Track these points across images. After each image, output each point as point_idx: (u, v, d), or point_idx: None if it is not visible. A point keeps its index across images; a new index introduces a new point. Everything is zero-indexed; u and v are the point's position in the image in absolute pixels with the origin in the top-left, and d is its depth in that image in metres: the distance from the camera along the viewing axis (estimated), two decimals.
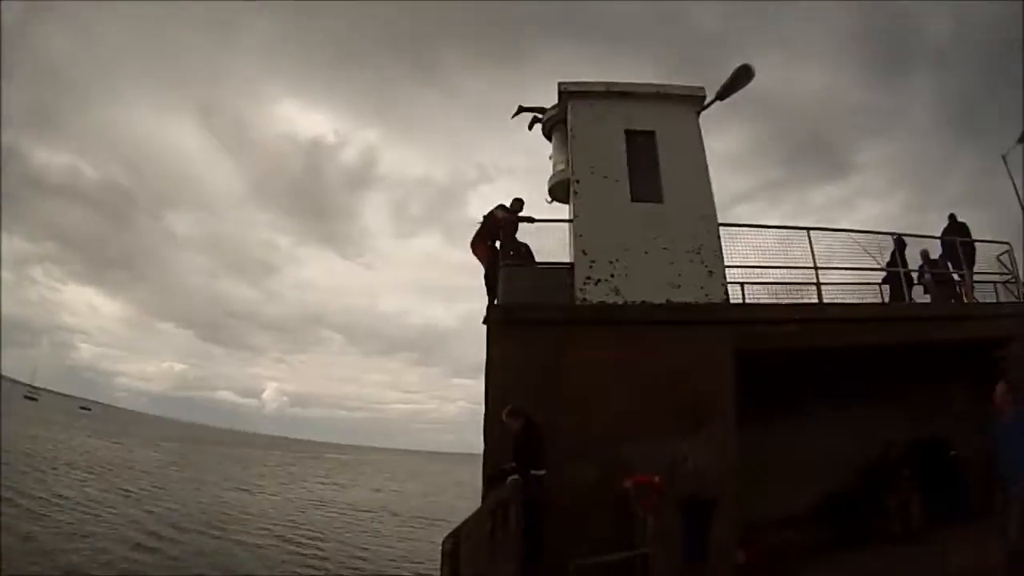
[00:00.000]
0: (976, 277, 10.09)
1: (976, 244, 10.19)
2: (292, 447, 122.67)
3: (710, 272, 7.70)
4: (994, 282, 10.27)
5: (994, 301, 10.05)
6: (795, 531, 8.24)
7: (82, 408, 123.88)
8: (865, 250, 9.19)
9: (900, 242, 9.63)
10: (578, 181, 7.82)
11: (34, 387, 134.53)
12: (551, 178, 8.44)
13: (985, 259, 10.29)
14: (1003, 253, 10.45)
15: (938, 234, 10.27)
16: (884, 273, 9.55)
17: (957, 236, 9.99)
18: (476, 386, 7.17)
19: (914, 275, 9.81)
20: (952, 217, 10.37)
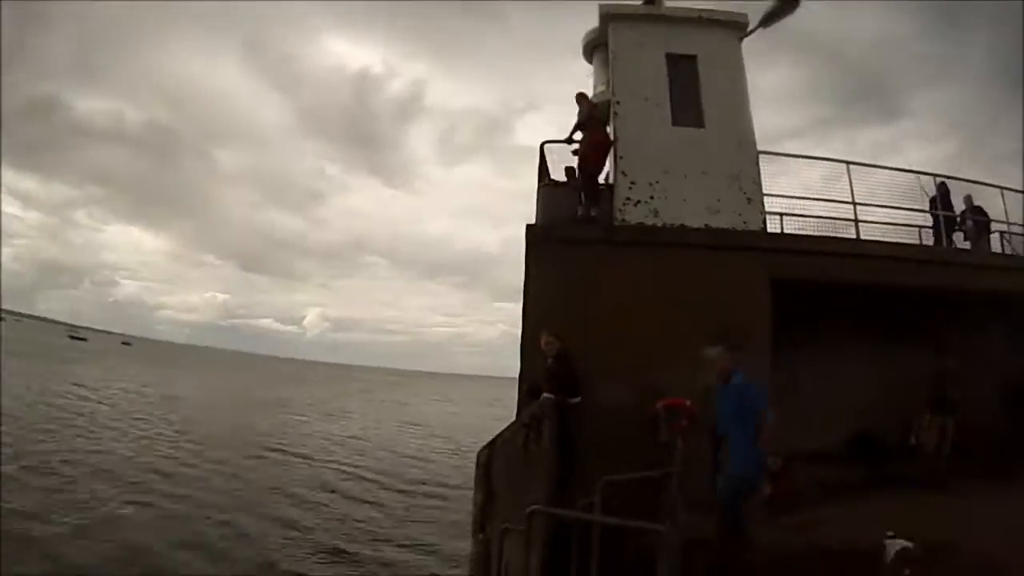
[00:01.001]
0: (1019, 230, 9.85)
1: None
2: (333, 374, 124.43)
3: (748, 199, 7.60)
4: None
5: None
6: (823, 467, 8.22)
7: (124, 343, 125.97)
8: (923, 188, 8.99)
9: (943, 187, 9.39)
10: (619, 103, 7.73)
11: (76, 327, 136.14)
12: (591, 98, 8.32)
13: None
14: None
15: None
16: (927, 215, 9.32)
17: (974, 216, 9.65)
18: (516, 309, 7.19)
19: (955, 220, 9.57)
20: (968, 200, 9.89)
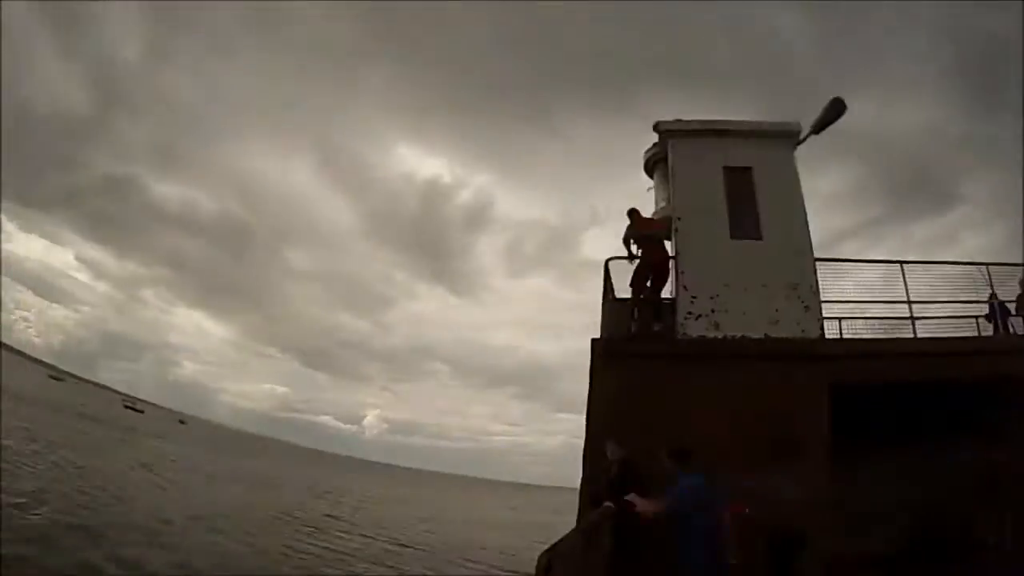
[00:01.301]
0: None
1: None
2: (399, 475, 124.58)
3: (806, 308, 7.87)
4: None
5: None
6: (885, 571, 8.33)
7: (180, 421, 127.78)
8: (982, 275, 9.16)
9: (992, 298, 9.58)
10: (679, 218, 8.14)
11: (133, 398, 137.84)
12: (653, 214, 8.75)
13: None
14: None
15: None
16: (986, 306, 9.44)
17: None
18: (576, 420, 7.56)
19: (1010, 306, 9.66)
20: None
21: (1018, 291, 9.86)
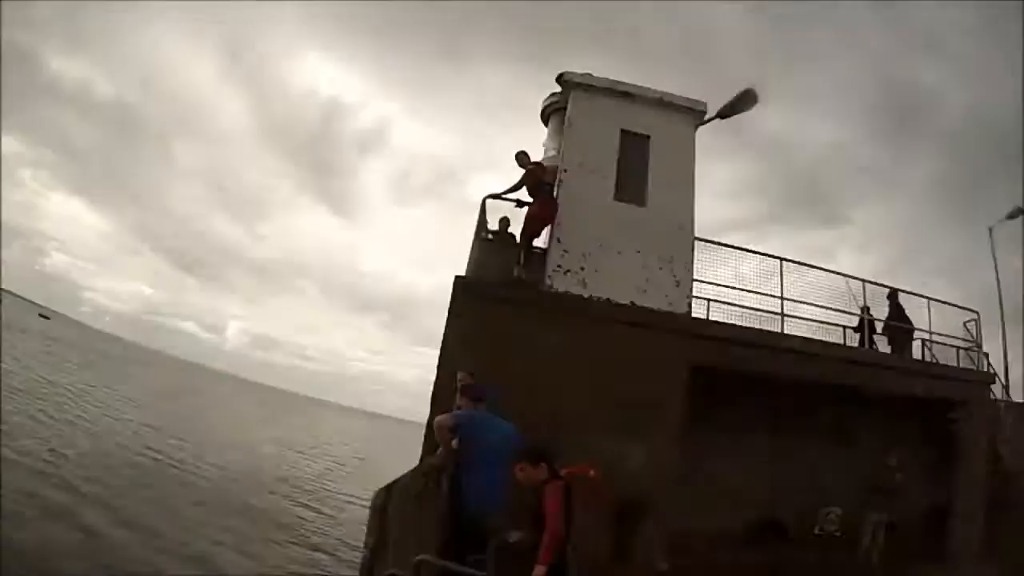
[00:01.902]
0: (940, 339, 10.30)
1: (947, 308, 10.43)
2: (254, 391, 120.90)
3: (678, 282, 7.80)
4: (957, 348, 10.47)
5: (955, 365, 10.25)
6: (723, 550, 8.33)
7: (41, 315, 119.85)
8: (852, 293, 9.37)
9: (893, 295, 10.02)
10: (566, 171, 7.88)
11: None
12: (541, 160, 8.45)
13: (953, 326, 10.59)
14: (970, 320, 10.72)
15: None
16: (855, 319, 9.65)
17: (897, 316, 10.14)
18: (434, 355, 7.12)
19: (878, 324, 9.94)
20: (894, 295, 10.32)
21: (885, 312, 10.19)
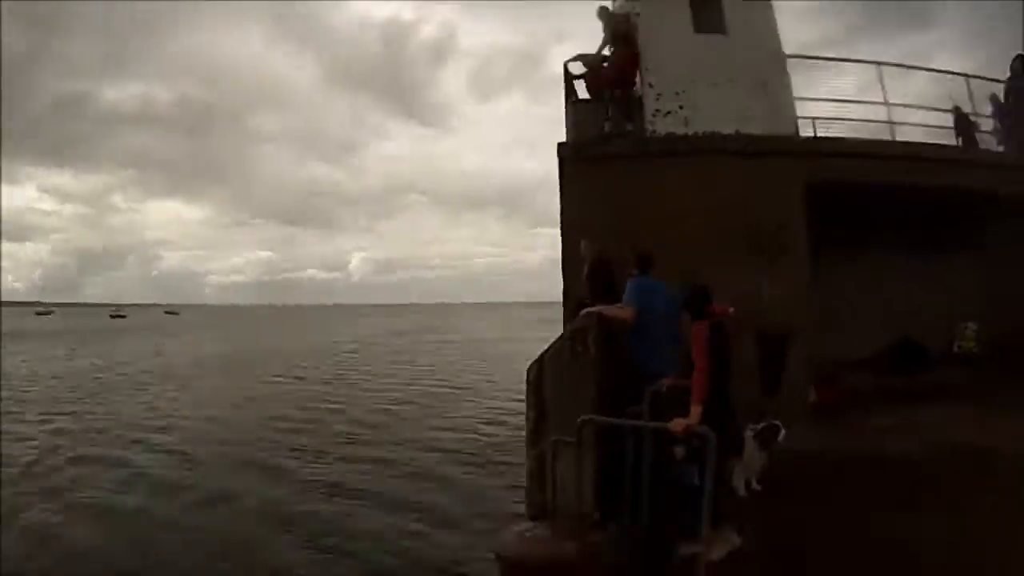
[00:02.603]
0: None
1: None
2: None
3: (778, 105, 7.46)
4: None
5: None
6: (866, 375, 8.15)
7: (168, 312, 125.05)
8: (951, 97, 8.72)
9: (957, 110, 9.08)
10: (638, 13, 7.56)
11: (119, 305, 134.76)
12: (613, 8, 8.10)
13: None
14: None
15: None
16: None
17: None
18: (556, 233, 7.16)
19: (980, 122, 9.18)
20: (1020, 58, 8.98)
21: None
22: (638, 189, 6.89)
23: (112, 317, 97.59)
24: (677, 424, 3.71)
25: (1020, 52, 8.79)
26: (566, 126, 7.36)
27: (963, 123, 8.90)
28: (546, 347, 6.13)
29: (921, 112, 8.66)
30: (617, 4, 8.25)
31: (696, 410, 3.71)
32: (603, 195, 6.86)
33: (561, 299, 7.03)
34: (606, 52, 7.47)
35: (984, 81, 9.19)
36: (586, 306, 6.06)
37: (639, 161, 7.04)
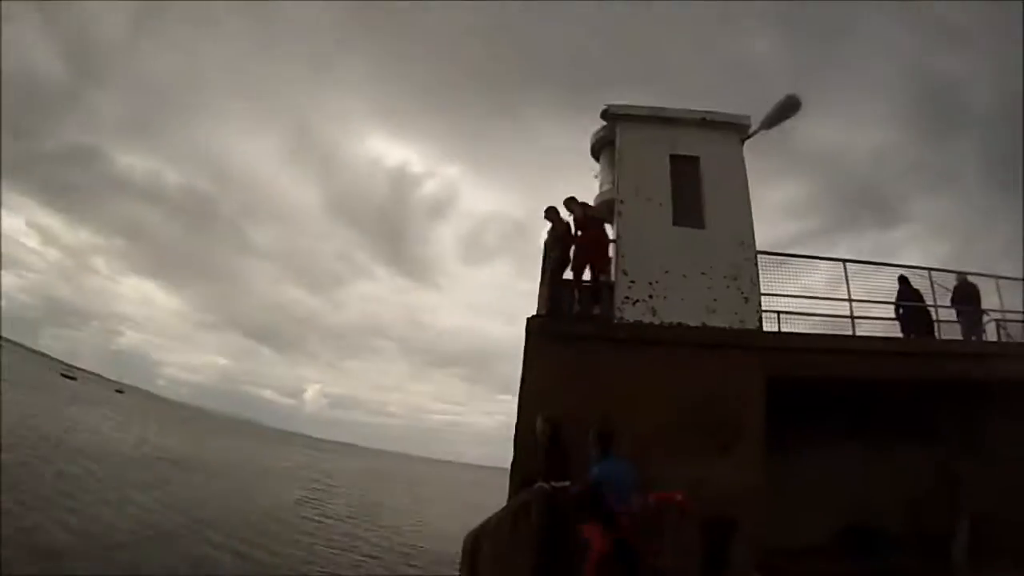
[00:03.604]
0: (1012, 317, 10.04)
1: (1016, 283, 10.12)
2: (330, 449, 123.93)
3: (746, 299, 7.84)
4: None
5: None
6: (816, 561, 8.32)
7: (117, 391, 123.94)
8: (933, 282, 9.28)
9: (903, 280, 9.52)
10: (623, 202, 8.05)
11: (71, 366, 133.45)
12: (596, 197, 8.65)
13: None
14: None
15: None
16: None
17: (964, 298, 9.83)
18: (515, 401, 7.33)
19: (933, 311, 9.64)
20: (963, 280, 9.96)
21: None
22: (600, 371, 7.17)
23: (63, 376, 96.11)
24: None
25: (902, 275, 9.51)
26: (538, 300, 7.68)
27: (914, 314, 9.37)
28: (487, 518, 6.32)
29: (884, 301, 9.16)
30: (601, 191, 8.84)
31: None
32: (565, 373, 7.11)
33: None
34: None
35: (945, 273, 9.81)
36: (534, 481, 6.32)
37: (604, 344, 7.33)
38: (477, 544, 6.22)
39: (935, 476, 8.68)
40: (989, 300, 10.00)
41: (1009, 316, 10.06)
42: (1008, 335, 10.06)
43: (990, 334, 10.03)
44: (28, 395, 42.50)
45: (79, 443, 25.54)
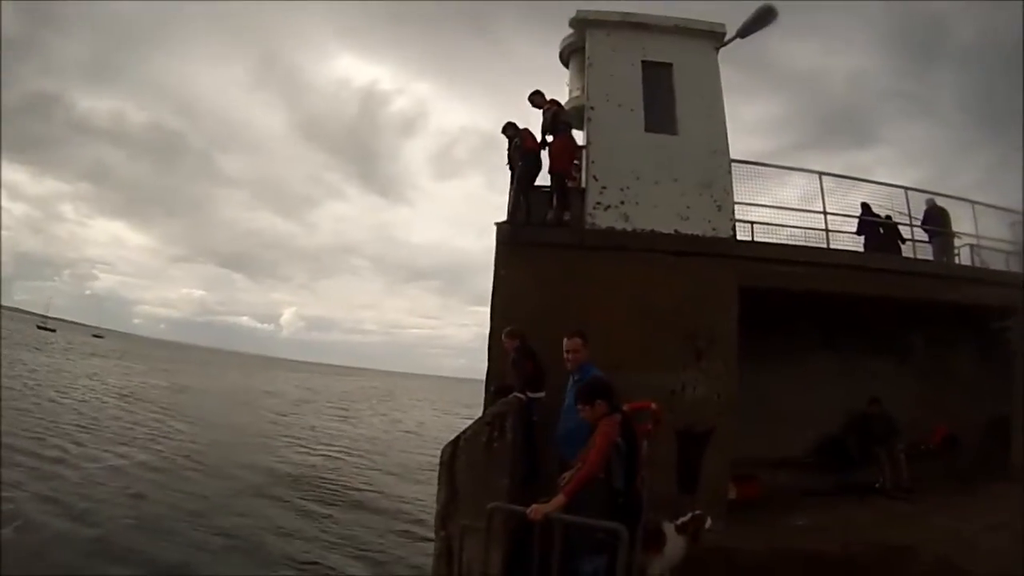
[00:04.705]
0: (986, 243, 10.01)
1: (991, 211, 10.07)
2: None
3: (719, 207, 7.68)
4: (1005, 252, 10.15)
5: (1004, 270, 9.94)
6: (788, 473, 8.34)
7: (95, 336, 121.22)
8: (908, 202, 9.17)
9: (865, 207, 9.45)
10: (592, 108, 7.79)
11: (47, 317, 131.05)
12: (566, 103, 8.38)
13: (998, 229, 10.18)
14: (1016, 223, 10.36)
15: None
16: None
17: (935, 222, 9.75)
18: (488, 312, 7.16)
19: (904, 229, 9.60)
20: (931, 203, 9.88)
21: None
22: (571, 280, 7.02)
23: (39, 328, 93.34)
24: (535, 511, 3.83)
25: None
26: (507, 207, 7.49)
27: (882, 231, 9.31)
28: (463, 429, 6.18)
29: (857, 216, 9.04)
30: (571, 98, 8.57)
31: (559, 500, 3.85)
32: (535, 281, 6.95)
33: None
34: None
35: (920, 193, 9.71)
36: (508, 390, 6.16)
37: (575, 252, 7.17)
38: (454, 455, 6.04)
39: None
40: (963, 226, 9.96)
41: (984, 243, 10.03)
42: (983, 261, 10.04)
43: (964, 259, 10.01)
44: None
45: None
